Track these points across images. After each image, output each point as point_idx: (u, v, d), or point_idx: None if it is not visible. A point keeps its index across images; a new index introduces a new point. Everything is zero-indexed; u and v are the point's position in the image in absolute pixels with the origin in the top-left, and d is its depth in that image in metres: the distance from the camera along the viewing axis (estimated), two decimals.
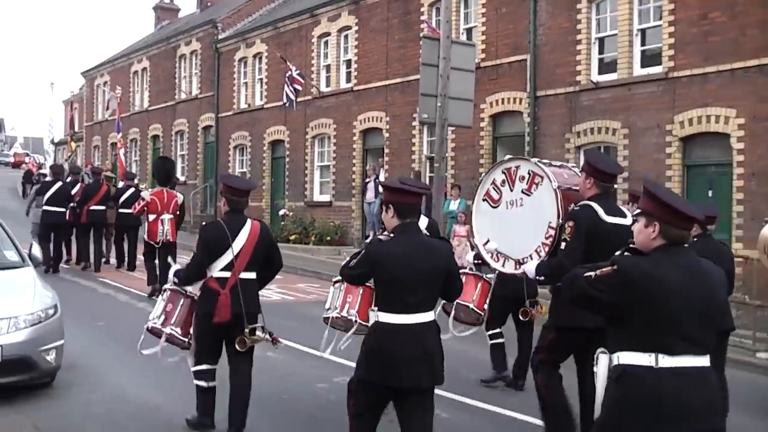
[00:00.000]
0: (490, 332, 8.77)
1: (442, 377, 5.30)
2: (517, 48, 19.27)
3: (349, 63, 24.80)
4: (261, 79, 28.75)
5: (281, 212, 25.88)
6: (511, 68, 19.38)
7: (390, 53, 22.86)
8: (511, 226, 6.70)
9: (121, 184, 19.63)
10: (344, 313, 6.85)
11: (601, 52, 18.01)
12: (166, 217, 13.89)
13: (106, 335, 11.01)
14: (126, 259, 17.80)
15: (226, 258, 6.46)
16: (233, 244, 6.44)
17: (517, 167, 6.76)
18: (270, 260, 6.77)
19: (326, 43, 25.71)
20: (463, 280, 6.52)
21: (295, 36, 26.75)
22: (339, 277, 6.36)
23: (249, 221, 6.65)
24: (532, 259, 6.39)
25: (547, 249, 6.30)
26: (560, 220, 6.18)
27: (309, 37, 26.11)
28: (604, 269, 3.88)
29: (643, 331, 3.80)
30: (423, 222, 7.78)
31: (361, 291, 6.68)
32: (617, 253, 4.03)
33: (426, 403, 5.25)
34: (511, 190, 6.75)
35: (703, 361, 3.85)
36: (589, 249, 5.64)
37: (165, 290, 7.04)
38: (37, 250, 9.06)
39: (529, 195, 6.62)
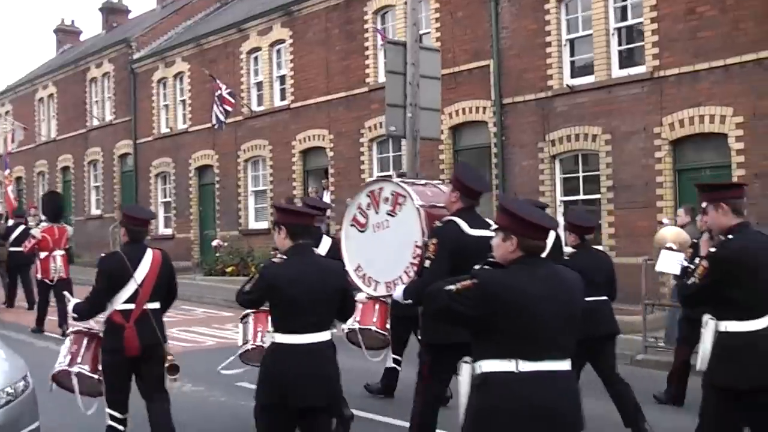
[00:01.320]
0: (394, 356, 8.77)
1: (337, 396, 5.58)
2: (478, 53, 17.74)
3: (283, 79, 22.91)
4: (183, 101, 26.56)
5: (214, 243, 23.69)
6: (471, 75, 17.82)
7: (331, 66, 21.07)
8: (380, 250, 6.66)
9: (11, 222, 18.69)
10: (259, 342, 6.88)
11: (572, 54, 16.63)
12: (58, 253, 13.59)
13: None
14: (27, 297, 16.68)
15: (129, 289, 6.36)
16: (135, 275, 6.37)
17: (381, 189, 6.72)
18: (169, 289, 6.72)
19: (256, 58, 23.77)
20: (361, 305, 6.99)
21: (221, 53, 24.72)
22: (245, 313, 6.78)
23: (149, 250, 6.56)
24: (402, 281, 6.39)
25: (414, 269, 6.28)
26: (425, 238, 6.15)
27: (237, 54, 24.10)
28: (464, 282, 3.94)
29: (505, 340, 3.88)
30: (326, 242, 7.98)
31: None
32: (477, 266, 4.10)
33: (326, 421, 5.43)
34: (377, 213, 6.71)
35: (564, 365, 3.95)
36: (455, 263, 5.58)
37: (68, 334, 6.84)
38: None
39: (393, 216, 6.59)
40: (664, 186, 14.88)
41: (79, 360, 6.53)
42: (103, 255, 6.75)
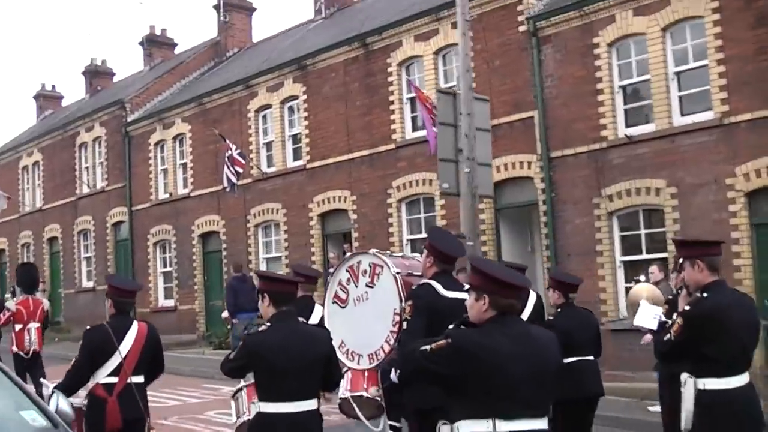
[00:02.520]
0: (391, 423, 8.32)
1: None
2: (519, 104, 16.47)
3: (296, 137, 21.53)
4: (184, 164, 25.05)
5: (224, 315, 21.93)
6: (513, 128, 16.52)
7: (351, 122, 19.72)
8: (361, 322, 6.68)
9: None
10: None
11: (625, 102, 15.41)
12: (33, 326, 13.34)
13: None
14: None
15: (113, 362, 6.30)
16: (120, 348, 6.31)
17: (359, 262, 6.78)
18: (155, 361, 6.68)
19: (265, 117, 22.39)
20: (349, 374, 6.80)
21: (226, 111, 23.31)
22: (237, 387, 6.58)
23: (135, 323, 6.55)
24: (383, 350, 6.46)
25: (395, 336, 6.29)
26: (402, 304, 6.18)
27: (244, 112, 22.72)
28: (438, 342, 4.01)
29: (480, 399, 3.93)
30: (318, 311, 7.86)
31: None
32: (451, 326, 4.17)
33: None
34: (356, 287, 6.75)
35: (541, 423, 3.99)
36: (431, 325, 5.58)
37: None
38: (60, 399, 5.41)
39: (372, 287, 6.63)
40: (741, 242, 13.58)
41: None
42: (88, 327, 6.65)
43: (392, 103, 18.82)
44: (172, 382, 16.75)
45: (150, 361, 6.58)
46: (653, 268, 11.87)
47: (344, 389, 7.19)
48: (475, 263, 4.24)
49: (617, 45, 15.37)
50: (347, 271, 6.85)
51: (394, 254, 7.13)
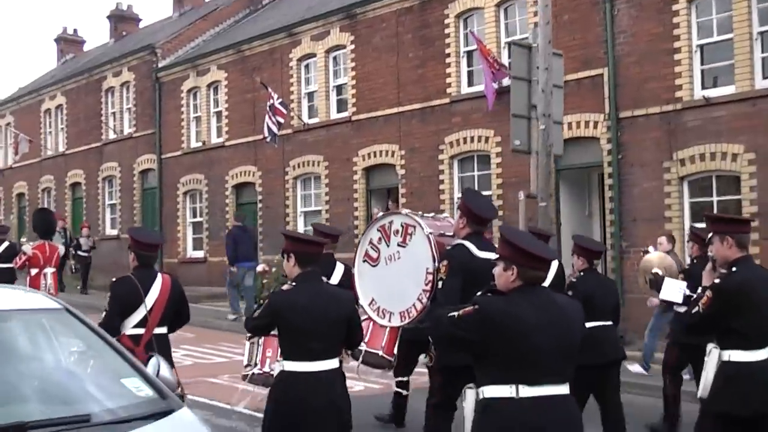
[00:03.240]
0: (397, 379, 8.65)
1: (350, 427, 5.49)
2: (588, 61, 15.80)
3: (340, 89, 20.86)
4: (219, 112, 24.35)
5: (259, 268, 21.37)
6: (580, 86, 15.84)
7: (402, 75, 19.02)
8: (393, 281, 6.73)
9: None
10: (266, 369, 6.94)
11: (703, 62, 14.75)
12: (49, 270, 13.51)
13: None
14: None
15: (139, 314, 6.40)
16: (146, 300, 6.40)
17: (391, 222, 6.84)
18: (179, 314, 6.79)
19: (308, 66, 21.69)
20: (371, 326, 7.02)
21: (266, 60, 22.58)
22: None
23: (160, 276, 6.63)
24: (415, 308, 6.50)
25: (428, 295, 6.37)
26: (436, 264, 6.24)
27: (285, 61, 22.00)
28: (466, 309, 4.11)
29: (504, 366, 4.02)
30: (339, 270, 8.04)
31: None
32: (479, 293, 4.27)
33: None
34: (388, 246, 6.81)
35: (563, 389, 4.09)
36: (466, 285, 5.74)
37: None
38: (161, 365, 4.79)
39: (404, 246, 6.69)
40: None
41: None
42: (114, 279, 6.75)
43: (448, 56, 18.12)
44: (212, 337, 16.32)
45: (174, 313, 6.70)
46: (662, 239, 11.99)
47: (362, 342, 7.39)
48: (505, 233, 4.28)
49: (697, 2, 14.67)
50: (378, 230, 6.92)
51: (425, 215, 7.13)
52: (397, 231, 6.78)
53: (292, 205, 21.76)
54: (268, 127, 20.00)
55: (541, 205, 12.80)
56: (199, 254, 24.60)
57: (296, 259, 5.52)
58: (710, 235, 5.90)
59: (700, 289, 5.84)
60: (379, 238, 6.91)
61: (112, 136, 28.56)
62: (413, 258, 6.60)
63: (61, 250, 14.16)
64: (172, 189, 25.87)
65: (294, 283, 5.49)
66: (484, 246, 6.17)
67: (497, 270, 4.24)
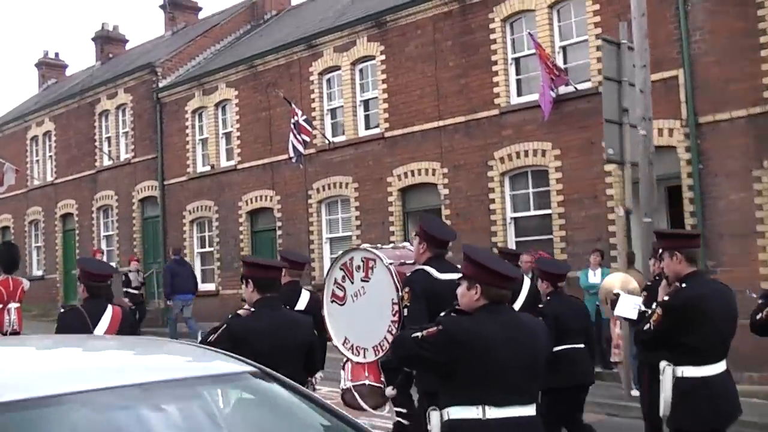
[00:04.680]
0: (397, 410, 8.11)
1: None
2: (660, 62, 14.37)
3: (368, 104, 19.35)
4: (228, 134, 22.73)
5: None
6: (652, 90, 14.42)
7: (442, 86, 17.55)
8: (362, 317, 6.66)
9: None
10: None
11: None
12: (13, 306, 13.13)
13: None
14: None
15: None
16: (94, 332, 6.17)
17: (351, 259, 6.74)
18: None
19: (330, 80, 20.18)
20: (349, 366, 6.94)
21: (283, 75, 21.03)
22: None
23: (110, 306, 6.39)
24: (387, 341, 6.35)
25: (396, 325, 6.31)
26: (399, 293, 6.23)
27: (305, 75, 20.47)
28: (429, 329, 4.07)
29: (469, 386, 4.00)
30: (304, 297, 7.90)
31: None
32: (442, 314, 4.28)
33: None
34: (352, 283, 6.75)
35: (530, 410, 4.06)
36: (430, 308, 5.71)
37: None
38: None
39: (368, 281, 6.65)
40: None
41: None
42: (62, 309, 6.71)
43: (495, 63, 16.68)
44: None
45: None
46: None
47: (345, 380, 7.15)
48: (468, 252, 4.25)
49: None
50: (341, 269, 6.84)
51: (383, 246, 7.14)
52: (359, 267, 6.71)
53: (317, 231, 20.13)
54: (293, 146, 18.49)
55: (645, 221, 11.36)
56: (210, 287, 22.79)
57: (254, 284, 5.63)
58: (660, 251, 5.91)
59: (654, 305, 5.81)
60: (343, 277, 6.82)
61: (107, 162, 26.78)
62: (378, 291, 6.53)
63: (26, 284, 13.69)
64: (176, 217, 24.14)
65: (252, 309, 5.59)
66: (446, 268, 6.12)
67: (461, 289, 4.23)
